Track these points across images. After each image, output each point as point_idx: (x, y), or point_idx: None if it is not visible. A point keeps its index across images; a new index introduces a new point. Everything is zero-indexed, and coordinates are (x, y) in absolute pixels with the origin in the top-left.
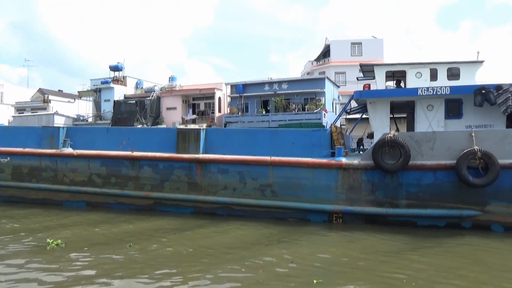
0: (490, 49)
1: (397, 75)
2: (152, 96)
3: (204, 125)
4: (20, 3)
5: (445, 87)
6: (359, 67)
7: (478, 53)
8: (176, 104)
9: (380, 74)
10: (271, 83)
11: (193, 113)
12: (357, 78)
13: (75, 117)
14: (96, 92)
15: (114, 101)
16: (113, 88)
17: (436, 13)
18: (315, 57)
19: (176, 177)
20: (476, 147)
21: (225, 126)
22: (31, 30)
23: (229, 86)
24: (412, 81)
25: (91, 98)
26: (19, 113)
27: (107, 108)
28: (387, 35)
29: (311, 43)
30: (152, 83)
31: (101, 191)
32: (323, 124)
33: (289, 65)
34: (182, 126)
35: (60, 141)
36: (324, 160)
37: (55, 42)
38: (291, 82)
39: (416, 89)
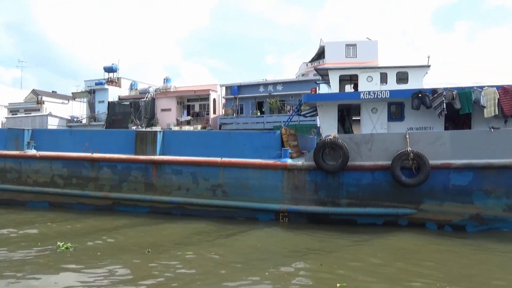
0: (487, 49)
1: (353, 79)
2: (146, 98)
3: (199, 127)
4: (15, 3)
5: (385, 91)
6: (315, 71)
7: (428, 57)
8: (171, 106)
9: (334, 78)
10: (266, 85)
11: (188, 114)
12: (315, 82)
13: (69, 118)
14: (90, 93)
15: (108, 102)
16: (107, 89)
17: (432, 14)
18: (311, 58)
19: (133, 178)
20: (409, 149)
21: (220, 127)
22: (25, 30)
23: (224, 88)
24: (363, 85)
25: (85, 99)
26: (12, 115)
27: (101, 110)
28: (384, 36)
29: (307, 44)
30: (146, 85)
31: (62, 192)
32: (318, 125)
33: (285, 66)
34: (177, 128)
35: (25, 143)
36: (270, 161)
37: (50, 43)
38: (286, 83)
39: (358, 93)
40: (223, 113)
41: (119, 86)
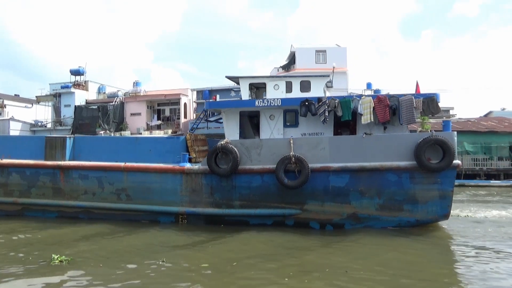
0: (452, 57)
1: (262, 87)
2: (115, 102)
3: (170, 131)
4: None
5: (278, 99)
6: (226, 78)
7: (333, 67)
8: (141, 110)
9: (244, 86)
10: (237, 90)
11: (158, 119)
12: (233, 90)
13: (33, 123)
14: (56, 97)
15: (75, 106)
16: (73, 93)
17: (400, 22)
18: (282, 64)
19: (42, 183)
20: (292, 153)
21: (191, 130)
22: None
23: (195, 92)
24: (271, 93)
25: (50, 103)
26: None
27: (68, 114)
28: (353, 42)
29: (279, 50)
30: (115, 88)
31: None
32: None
33: (257, 71)
34: (147, 132)
35: None
36: (169, 166)
37: (12, 44)
38: None
39: (253, 101)
40: (195, 117)
41: (86, 89)
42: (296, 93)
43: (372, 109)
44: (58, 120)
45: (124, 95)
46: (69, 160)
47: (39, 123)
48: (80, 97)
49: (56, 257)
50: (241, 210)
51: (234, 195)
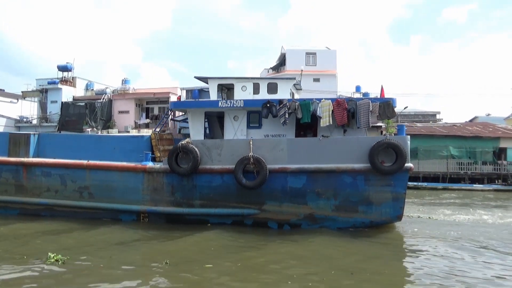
0: (440, 63)
1: (232, 88)
2: (103, 99)
3: (158, 129)
4: None
5: (241, 100)
6: (195, 78)
7: (302, 70)
8: (129, 108)
9: (213, 86)
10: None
11: (147, 117)
12: (203, 90)
13: (18, 118)
14: (42, 93)
15: (62, 102)
16: (61, 89)
17: (389, 27)
18: (273, 64)
19: (4, 180)
20: (251, 154)
21: (179, 131)
22: None
23: (184, 91)
24: (238, 94)
25: (36, 99)
26: None
27: (54, 110)
28: (343, 45)
29: (270, 50)
30: (103, 85)
31: None
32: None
33: (247, 72)
34: (135, 131)
35: None
36: (131, 164)
37: None
38: None
39: (217, 102)
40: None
41: (74, 86)
42: (263, 94)
43: (331, 112)
44: (44, 117)
45: (113, 93)
46: (33, 157)
47: (24, 119)
48: (67, 94)
49: (52, 255)
50: (201, 210)
51: (194, 194)
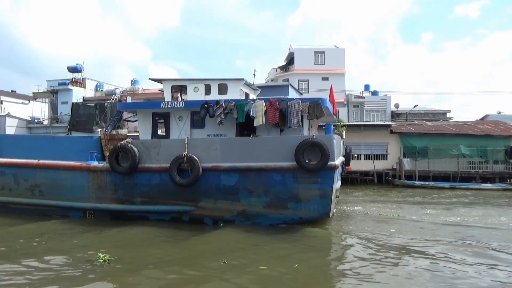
0: (451, 60)
1: (184, 89)
2: (113, 99)
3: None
4: None
5: (182, 101)
6: (150, 80)
7: (255, 71)
8: None
9: (167, 88)
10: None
11: None
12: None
13: (29, 119)
14: (53, 94)
15: (72, 103)
16: (71, 90)
17: (400, 24)
18: (280, 64)
19: None
20: (185, 153)
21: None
22: None
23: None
24: (191, 95)
25: (47, 100)
26: None
27: (65, 111)
28: (352, 43)
29: (278, 50)
30: (113, 86)
31: None
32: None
33: (256, 71)
34: None
35: None
36: (77, 163)
37: (9, 39)
38: None
39: (159, 102)
40: None
41: (84, 87)
42: (214, 95)
43: (264, 112)
44: (54, 117)
45: (122, 93)
46: None
47: (36, 120)
48: (77, 94)
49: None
50: (141, 207)
51: (135, 192)
